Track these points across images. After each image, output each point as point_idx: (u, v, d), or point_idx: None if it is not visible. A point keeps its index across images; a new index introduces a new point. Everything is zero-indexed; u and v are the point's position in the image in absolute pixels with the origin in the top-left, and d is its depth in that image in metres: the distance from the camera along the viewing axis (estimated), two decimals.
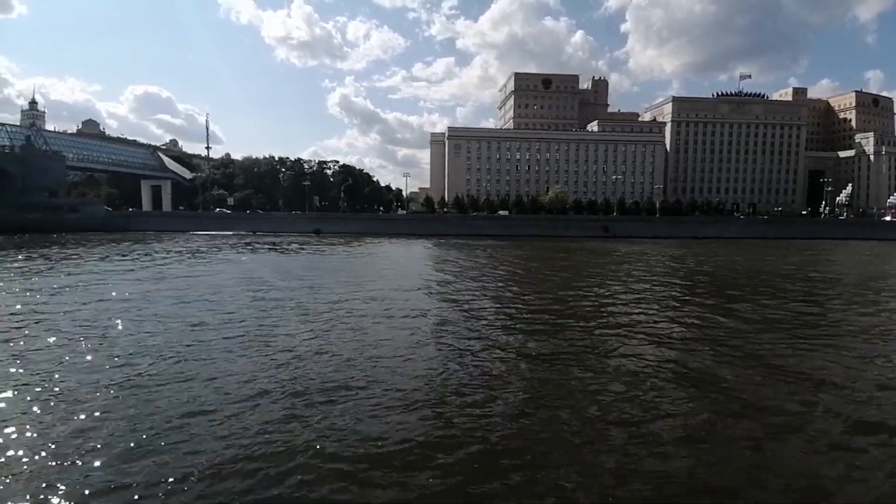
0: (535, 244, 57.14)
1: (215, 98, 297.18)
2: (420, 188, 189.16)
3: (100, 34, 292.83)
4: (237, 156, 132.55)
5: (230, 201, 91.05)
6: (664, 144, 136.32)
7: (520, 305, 17.77)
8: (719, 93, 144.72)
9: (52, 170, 74.46)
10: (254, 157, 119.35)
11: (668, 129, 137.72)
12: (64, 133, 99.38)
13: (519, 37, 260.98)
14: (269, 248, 44.50)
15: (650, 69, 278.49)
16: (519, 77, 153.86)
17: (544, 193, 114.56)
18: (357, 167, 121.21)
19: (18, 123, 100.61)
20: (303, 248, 45.08)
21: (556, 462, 6.44)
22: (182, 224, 73.45)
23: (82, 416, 7.44)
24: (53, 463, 6.16)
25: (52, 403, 7.93)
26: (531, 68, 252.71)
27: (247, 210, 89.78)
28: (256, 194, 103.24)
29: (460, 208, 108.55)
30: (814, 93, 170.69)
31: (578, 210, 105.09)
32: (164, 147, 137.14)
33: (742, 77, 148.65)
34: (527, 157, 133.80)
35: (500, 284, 23.75)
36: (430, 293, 20.37)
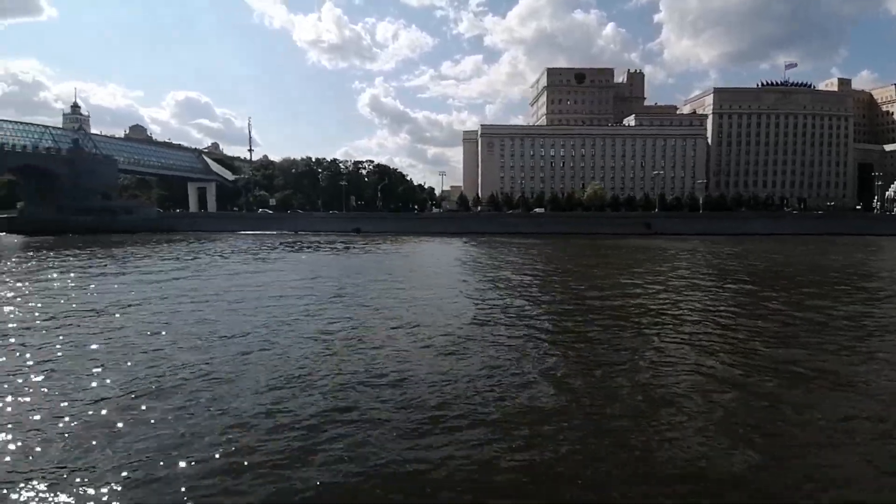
0: (574, 242, 56.22)
1: (251, 102, 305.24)
2: (452, 186, 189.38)
3: (137, 41, 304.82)
4: (274, 157, 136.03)
5: (272, 202, 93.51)
6: (706, 138, 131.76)
7: (582, 304, 17.48)
8: (763, 83, 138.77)
9: (104, 173, 78.13)
10: (292, 158, 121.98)
11: (709, 121, 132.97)
12: (113, 137, 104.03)
13: (548, 31, 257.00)
14: (319, 247, 45.39)
15: (686, 60, 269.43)
16: (552, 72, 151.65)
17: (580, 190, 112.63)
18: (392, 167, 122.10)
19: (61, 126, 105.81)
20: (351, 248, 45.73)
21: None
22: (228, 224, 75.91)
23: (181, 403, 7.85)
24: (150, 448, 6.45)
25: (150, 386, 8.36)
26: (561, 63, 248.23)
27: (287, 210, 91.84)
28: (296, 194, 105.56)
29: (494, 206, 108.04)
30: (855, 84, 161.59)
31: (616, 207, 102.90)
32: (206, 150, 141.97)
33: (788, 66, 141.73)
34: (561, 154, 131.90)
35: (556, 285, 23.47)
36: (495, 290, 20.34)
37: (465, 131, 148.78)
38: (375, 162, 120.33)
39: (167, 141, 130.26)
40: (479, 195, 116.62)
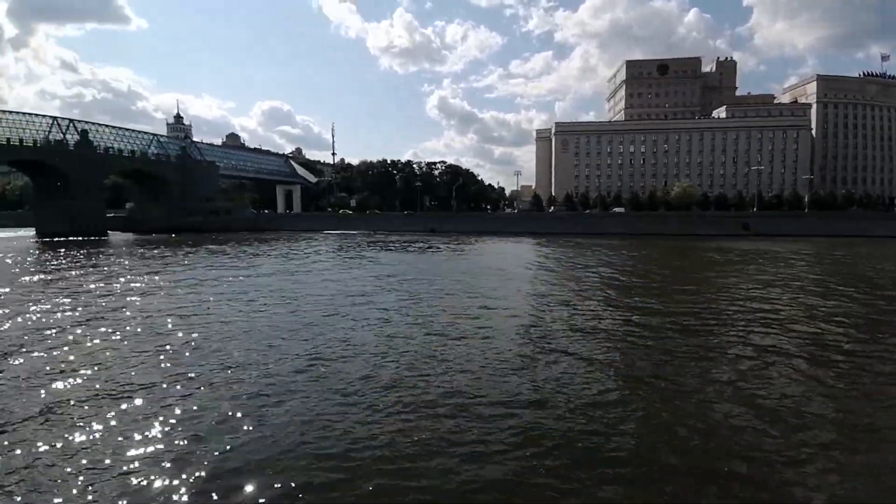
0: (661, 243, 52.94)
1: (327, 108, 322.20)
2: (522, 186, 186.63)
3: (228, 55, 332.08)
4: (350, 160, 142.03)
5: (353, 203, 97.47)
6: (809, 129, 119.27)
7: (713, 314, 16.18)
8: (864, 73, 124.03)
9: (207, 177, 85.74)
10: (369, 161, 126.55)
11: (813, 111, 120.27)
12: (213, 145, 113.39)
13: (622, 22, 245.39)
14: (404, 247, 46.40)
15: (779, 45, 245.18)
16: (631, 65, 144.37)
17: (663, 188, 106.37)
18: (464, 167, 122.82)
19: (165, 134, 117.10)
20: (431, 248, 46.33)
21: None
22: (313, 224, 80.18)
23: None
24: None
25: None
26: (637, 54, 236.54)
27: (366, 211, 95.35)
28: (373, 196, 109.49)
29: (570, 206, 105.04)
30: None
31: (704, 206, 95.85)
32: (290, 155, 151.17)
33: (883, 58, 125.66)
34: (641, 150, 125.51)
35: (658, 289, 22.06)
36: (592, 293, 19.54)
37: (539, 129, 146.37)
38: (448, 162, 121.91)
39: (258, 147, 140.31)
40: (553, 194, 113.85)
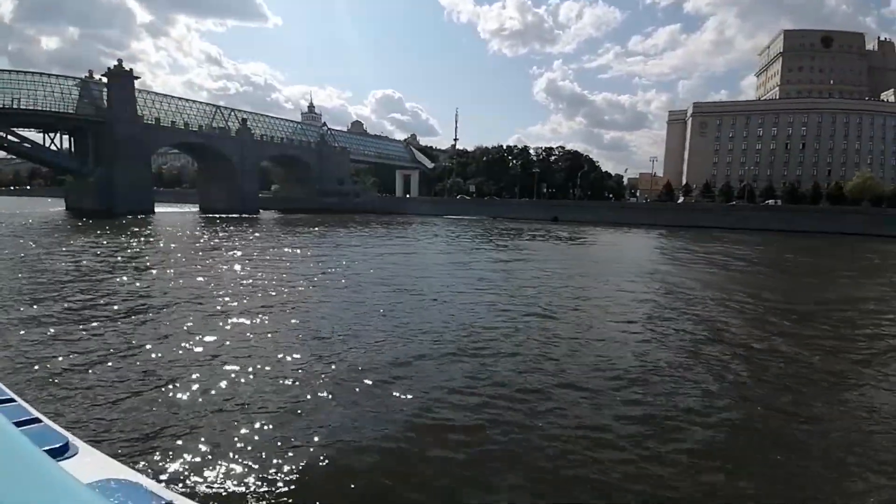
0: (848, 244, 44.63)
1: (435, 94, 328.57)
2: (640, 173, 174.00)
3: (348, 47, 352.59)
4: (457, 146, 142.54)
5: (472, 188, 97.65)
6: None
7: None
8: None
9: (340, 162, 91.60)
10: (484, 146, 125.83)
11: None
12: (342, 131, 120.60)
13: None
14: (537, 235, 44.81)
15: None
16: (790, 35, 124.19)
17: (827, 178, 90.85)
18: (583, 153, 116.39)
19: (300, 121, 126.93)
20: (567, 237, 44.10)
21: None
22: (435, 208, 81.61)
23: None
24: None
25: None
26: (785, 24, 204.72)
27: (484, 197, 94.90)
28: (488, 181, 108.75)
29: (708, 196, 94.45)
30: None
31: (876, 202, 79.56)
32: (405, 141, 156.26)
33: None
34: (801, 133, 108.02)
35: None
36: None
37: (672, 111, 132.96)
38: (566, 148, 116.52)
39: (378, 134, 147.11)
40: (686, 183, 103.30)
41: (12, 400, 1.44)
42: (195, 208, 76.92)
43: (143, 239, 31.26)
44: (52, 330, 9.77)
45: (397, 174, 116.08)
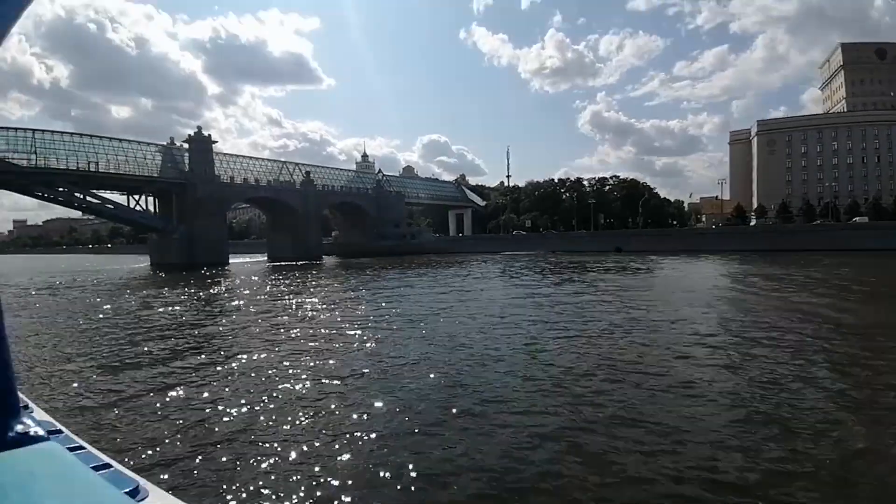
0: None
1: (480, 135, 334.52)
2: (701, 198, 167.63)
3: (395, 99, 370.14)
4: (495, 184, 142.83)
5: (527, 223, 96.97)
6: None
7: None
8: None
9: (396, 206, 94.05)
10: (535, 180, 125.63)
11: None
12: (396, 176, 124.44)
13: (813, 2, 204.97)
14: (607, 268, 43.02)
15: None
16: (847, 48, 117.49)
17: None
18: (640, 181, 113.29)
19: (354, 170, 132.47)
20: (645, 269, 41.96)
21: None
22: (491, 246, 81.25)
23: None
24: None
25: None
26: (834, 37, 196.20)
27: (540, 230, 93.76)
28: (541, 215, 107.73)
29: (786, 217, 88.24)
30: None
31: None
32: (455, 181, 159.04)
33: None
34: (874, 146, 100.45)
35: None
36: None
37: (733, 132, 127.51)
38: (620, 176, 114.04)
39: (428, 177, 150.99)
40: (760, 204, 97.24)
41: (82, 447, 1.48)
42: (264, 257, 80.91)
43: (223, 288, 32.84)
44: (131, 375, 10.34)
45: (450, 214, 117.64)
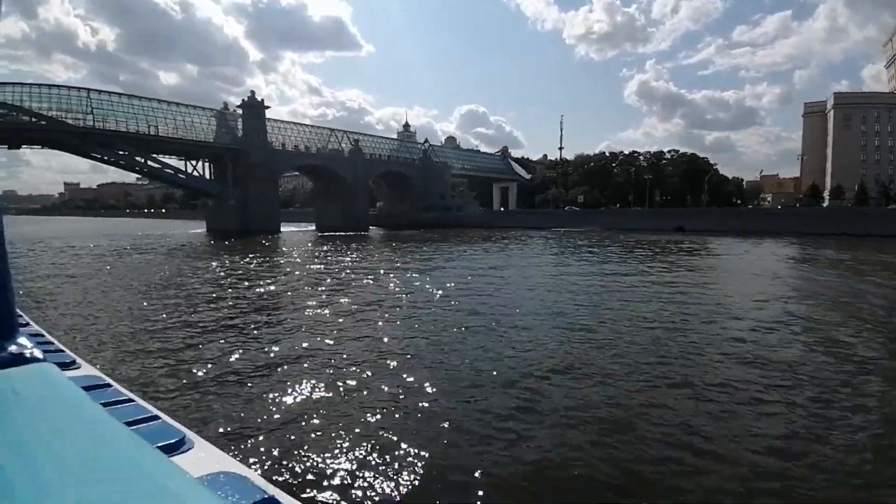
0: None
1: (520, 106, 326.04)
2: (762, 176, 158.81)
3: (433, 67, 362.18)
4: (535, 157, 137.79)
5: (580, 199, 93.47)
6: None
7: None
8: None
9: (442, 177, 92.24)
10: (585, 154, 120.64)
11: None
12: (441, 146, 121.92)
13: None
14: (672, 249, 40.28)
15: None
16: None
17: None
18: (700, 155, 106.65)
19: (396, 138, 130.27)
20: (724, 250, 39.02)
21: None
22: (540, 221, 78.55)
23: None
24: None
25: None
26: (886, 17, 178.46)
27: (590, 207, 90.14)
28: (592, 190, 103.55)
29: (861, 199, 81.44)
30: None
31: None
32: (500, 153, 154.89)
33: None
34: None
35: None
36: None
37: (808, 103, 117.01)
38: (679, 150, 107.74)
39: (470, 148, 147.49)
40: (838, 184, 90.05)
41: (131, 400, 1.58)
42: (311, 227, 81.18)
43: (285, 253, 32.53)
44: (192, 336, 10.78)
45: (494, 187, 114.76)
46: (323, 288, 18.29)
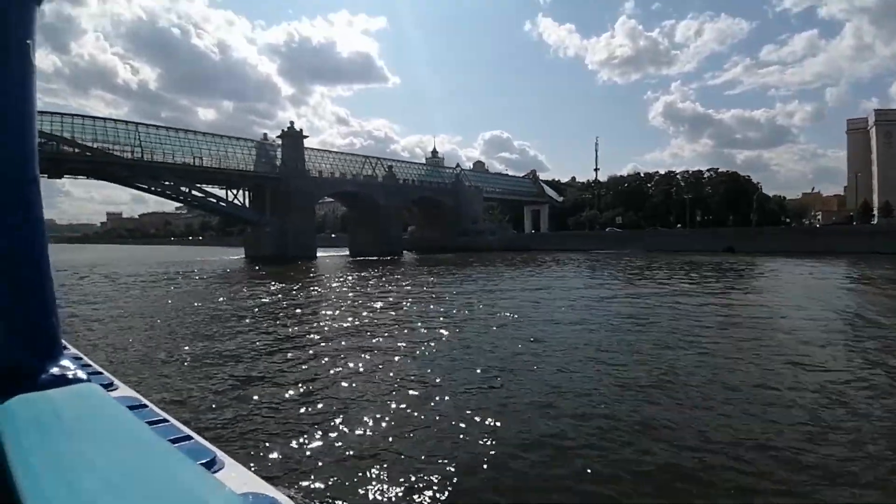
0: None
1: (543, 131, 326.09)
2: (802, 194, 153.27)
3: (458, 95, 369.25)
4: (562, 179, 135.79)
5: (618, 220, 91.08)
6: None
7: None
8: None
9: (474, 201, 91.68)
10: (618, 175, 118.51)
11: None
12: (471, 170, 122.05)
13: None
14: (765, 273, 37.83)
15: None
16: None
17: None
18: (742, 174, 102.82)
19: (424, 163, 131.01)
20: (800, 271, 36.43)
21: None
22: (577, 243, 76.60)
23: None
24: None
25: None
26: None
27: (626, 228, 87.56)
28: (627, 211, 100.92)
29: None
30: None
31: None
32: (531, 176, 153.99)
33: None
34: None
35: None
36: None
37: (850, 120, 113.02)
38: (719, 169, 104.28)
39: (500, 173, 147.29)
40: (887, 201, 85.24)
41: (166, 420, 1.61)
42: (344, 252, 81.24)
43: (324, 280, 31.85)
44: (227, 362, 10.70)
45: (525, 209, 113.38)
46: (370, 314, 17.42)
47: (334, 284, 30.52)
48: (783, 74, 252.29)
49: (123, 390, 1.88)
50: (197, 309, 19.18)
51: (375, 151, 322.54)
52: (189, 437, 1.47)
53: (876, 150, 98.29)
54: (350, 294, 24.72)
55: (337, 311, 18.26)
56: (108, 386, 1.84)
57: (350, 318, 16.23)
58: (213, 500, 0.93)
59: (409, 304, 20.21)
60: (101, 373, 2.04)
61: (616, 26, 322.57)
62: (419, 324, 15.22)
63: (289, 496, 1.18)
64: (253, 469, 1.47)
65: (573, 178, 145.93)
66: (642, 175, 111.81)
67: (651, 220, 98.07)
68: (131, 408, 1.59)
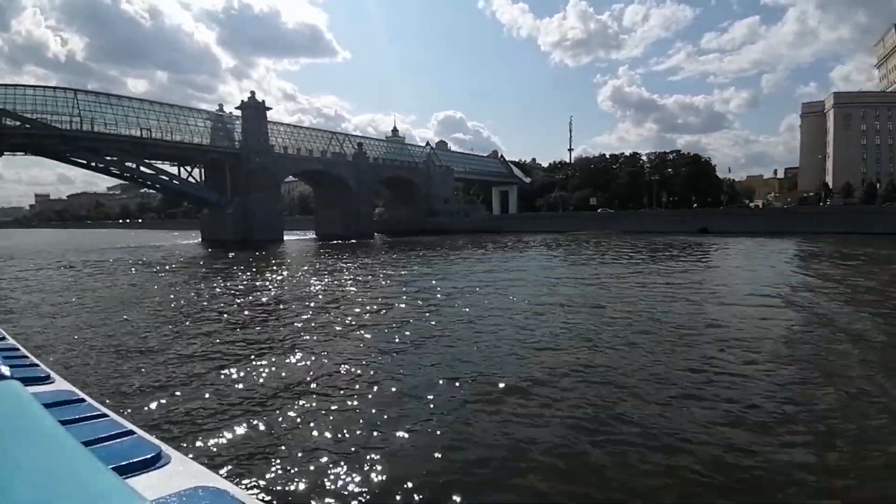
0: None
1: (496, 112, 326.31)
2: (748, 176, 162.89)
3: (411, 74, 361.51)
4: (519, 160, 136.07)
5: (592, 201, 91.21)
6: None
7: None
8: None
9: (445, 181, 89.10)
10: (586, 156, 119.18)
11: None
12: (443, 150, 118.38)
13: None
14: (756, 253, 37.77)
15: None
16: None
17: None
18: (703, 156, 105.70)
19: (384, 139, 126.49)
20: (780, 250, 36.68)
21: None
22: (551, 225, 75.96)
23: None
24: None
25: None
26: (861, 16, 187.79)
27: (597, 209, 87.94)
28: (594, 192, 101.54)
29: (867, 197, 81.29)
30: None
31: None
32: (501, 156, 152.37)
33: None
34: None
35: None
36: None
37: (807, 104, 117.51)
38: (681, 151, 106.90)
39: (467, 152, 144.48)
40: (848, 182, 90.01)
41: (105, 415, 1.55)
42: (309, 234, 76.69)
43: (304, 265, 28.73)
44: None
45: (494, 190, 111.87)
46: (371, 313, 15.01)
47: (315, 269, 27.54)
48: (721, 62, 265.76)
49: (59, 384, 1.76)
50: (159, 303, 16.74)
51: (326, 128, 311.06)
52: (131, 433, 1.39)
53: (833, 132, 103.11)
54: (333, 282, 21.93)
55: (335, 305, 15.89)
56: (44, 379, 1.74)
57: (347, 312, 14.25)
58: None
59: (407, 304, 17.83)
60: (36, 365, 1.93)
61: (568, 7, 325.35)
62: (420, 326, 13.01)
63: (240, 488, 1.14)
64: (203, 463, 1.40)
65: (533, 160, 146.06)
66: (608, 156, 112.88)
67: (620, 202, 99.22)
68: (65, 403, 1.51)
